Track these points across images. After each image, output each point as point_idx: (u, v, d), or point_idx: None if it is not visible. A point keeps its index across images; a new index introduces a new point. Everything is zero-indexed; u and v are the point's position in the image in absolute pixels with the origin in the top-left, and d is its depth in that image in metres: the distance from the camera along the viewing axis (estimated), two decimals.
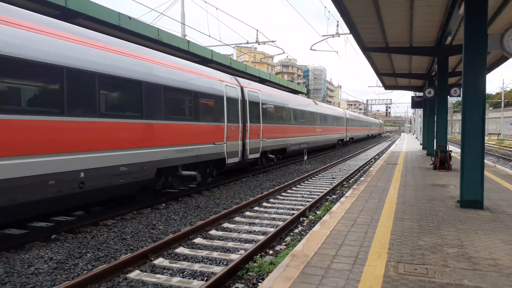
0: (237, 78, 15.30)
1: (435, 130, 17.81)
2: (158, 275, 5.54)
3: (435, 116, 16.90)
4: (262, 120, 16.48)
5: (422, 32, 13.22)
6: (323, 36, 23.22)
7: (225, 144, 13.01)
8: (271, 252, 6.60)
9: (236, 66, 21.48)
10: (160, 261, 6.09)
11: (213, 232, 7.78)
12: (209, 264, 6.05)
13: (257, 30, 22.86)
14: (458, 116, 79.51)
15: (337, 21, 24.37)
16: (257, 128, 15.95)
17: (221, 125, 12.78)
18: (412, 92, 34.45)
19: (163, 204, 10.16)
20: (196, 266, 5.88)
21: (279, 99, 19.35)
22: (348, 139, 40.46)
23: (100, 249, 6.66)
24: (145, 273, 5.62)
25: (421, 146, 28.91)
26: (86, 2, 10.95)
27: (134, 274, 5.55)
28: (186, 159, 10.76)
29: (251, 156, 15.24)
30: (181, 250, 6.66)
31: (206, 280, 5.30)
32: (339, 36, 22.87)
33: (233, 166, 14.22)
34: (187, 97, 11.00)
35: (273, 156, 18.04)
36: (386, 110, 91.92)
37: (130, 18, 12.69)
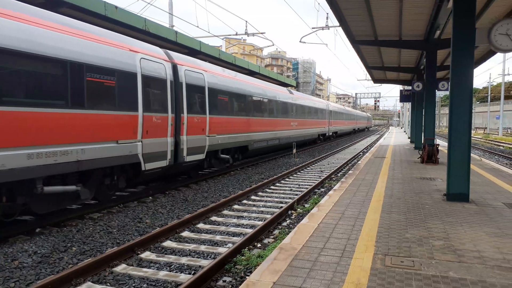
0: (170, 52, 11.34)
1: (423, 124, 17.96)
2: (144, 269, 5.49)
3: (423, 110, 17.03)
4: (209, 110, 12.74)
5: (411, 25, 13.25)
6: (312, 28, 23.16)
7: (139, 143, 9.27)
8: (259, 245, 6.58)
9: (225, 57, 21.33)
10: (147, 255, 6.03)
11: (200, 225, 7.74)
12: (197, 257, 6.02)
13: (246, 21, 22.70)
14: (446, 110, 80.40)
15: (327, 14, 24.32)
16: (201, 121, 12.21)
17: (131, 115, 9.04)
18: (401, 85, 34.66)
19: (150, 198, 10.07)
20: (184, 260, 5.83)
21: (237, 84, 15.44)
22: (331, 134, 37.47)
23: (86, 242, 6.57)
24: (131, 267, 5.56)
25: (409, 140, 29.14)
26: None
27: (121, 268, 5.49)
28: (53, 168, 7.10)
29: (190, 158, 11.50)
30: (168, 243, 6.60)
31: (194, 274, 5.27)
32: (328, 29, 22.82)
33: (159, 173, 10.50)
34: (55, 69, 7.20)
35: (228, 156, 14.51)
36: (375, 103, 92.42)
37: (116, 7, 12.46)
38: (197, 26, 19.33)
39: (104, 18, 12.19)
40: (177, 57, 11.52)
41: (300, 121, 25.21)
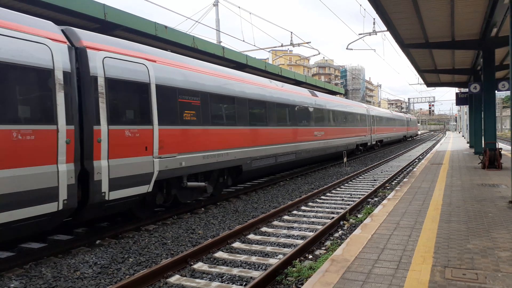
0: (75, 29, 7.06)
1: (482, 127, 16.95)
2: (197, 280, 5.57)
3: (482, 113, 16.09)
4: (158, 118, 8.30)
5: (464, 25, 12.64)
6: (359, 34, 22.75)
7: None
8: (310, 256, 6.47)
9: (271, 69, 21.50)
10: (199, 266, 6.12)
11: (251, 236, 7.75)
12: (248, 268, 6.02)
13: (291, 32, 22.73)
14: (508, 112, 75.41)
15: (374, 19, 23.78)
16: (141, 135, 7.87)
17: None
18: (457, 88, 33.13)
19: (202, 209, 10.26)
20: (235, 271, 5.86)
21: (216, 81, 10.50)
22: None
23: (142, 254, 6.80)
24: (184, 278, 5.67)
25: (468, 145, 27.73)
26: (124, 14, 11.32)
27: (174, 279, 5.61)
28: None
29: (117, 195, 7.34)
30: (220, 254, 6.67)
31: (245, 285, 5.27)
32: (376, 34, 22.29)
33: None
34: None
35: (205, 183, 10.00)
36: (429, 108, 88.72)
37: (166, 27, 13.00)
38: (243, 41, 19.67)
39: (155, 38, 12.75)
40: (90, 37, 7.23)
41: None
